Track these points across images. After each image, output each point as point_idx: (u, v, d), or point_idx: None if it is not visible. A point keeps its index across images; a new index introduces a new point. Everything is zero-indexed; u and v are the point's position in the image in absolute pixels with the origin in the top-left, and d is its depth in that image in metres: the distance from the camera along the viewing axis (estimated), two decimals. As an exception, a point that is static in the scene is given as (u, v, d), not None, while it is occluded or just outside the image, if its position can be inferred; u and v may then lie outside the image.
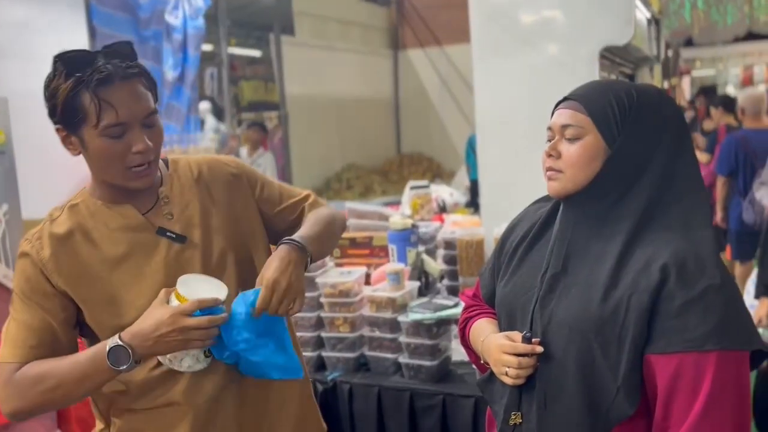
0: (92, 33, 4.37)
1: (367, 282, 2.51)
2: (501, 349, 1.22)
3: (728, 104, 5.64)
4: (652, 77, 3.91)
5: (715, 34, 10.94)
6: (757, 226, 4.26)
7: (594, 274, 1.16)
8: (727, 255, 4.96)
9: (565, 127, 1.19)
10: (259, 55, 8.98)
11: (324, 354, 2.28)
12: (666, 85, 10.46)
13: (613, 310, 1.12)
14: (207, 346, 1.24)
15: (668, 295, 1.10)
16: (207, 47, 6.75)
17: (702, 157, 5.56)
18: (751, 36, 11.55)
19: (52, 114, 1.27)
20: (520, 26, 2.67)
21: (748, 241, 4.65)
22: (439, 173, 8.78)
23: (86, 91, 1.22)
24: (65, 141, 1.29)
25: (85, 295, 1.29)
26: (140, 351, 1.21)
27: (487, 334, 1.31)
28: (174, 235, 1.34)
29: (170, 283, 1.27)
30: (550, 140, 1.23)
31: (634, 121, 1.16)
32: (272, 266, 1.26)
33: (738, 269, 4.91)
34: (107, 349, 1.20)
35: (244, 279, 1.39)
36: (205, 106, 7.60)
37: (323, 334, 2.27)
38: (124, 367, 1.20)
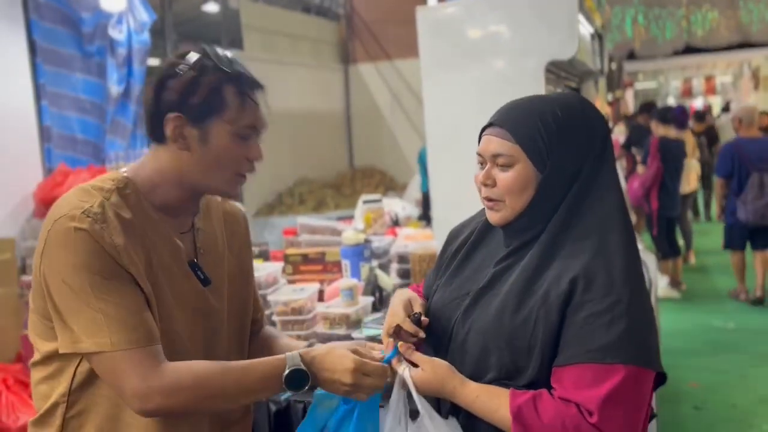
0: (32, 48, 4.23)
1: (320, 298, 2.48)
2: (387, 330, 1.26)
3: (664, 116, 5.85)
4: (597, 90, 4.01)
5: (655, 48, 11.33)
6: (750, 223, 5.18)
7: (514, 284, 1.19)
8: (721, 245, 5.72)
9: (496, 156, 1.21)
10: (207, 69, 8.86)
11: (277, 373, 2.23)
12: (611, 97, 10.79)
13: (524, 320, 1.15)
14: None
15: (575, 306, 1.11)
16: (154, 61, 6.63)
17: (638, 168, 5.83)
18: (690, 50, 12.00)
19: (178, 103, 1.19)
20: (468, 41, 2.71)
21: (738, 235, 5.46)
22: (392, 186, 8.80)
23: (232, 86, 1.22)
24: (176, 132, 1.21)
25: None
26: (316, 380, 1.19)
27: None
28: (202, 276, 1.29)
29: (195, 319, 1.26)
30: (481, 164, 1.25)
31: (561, 144, 1.18)
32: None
33: (731, 258, 5.61)
34: (287, 370, 1.15)
35: (239, 341, 1.40)
36: (152, 121, 7.45)
37: (276, 353, 2.23)
38: (302, 391, 1.17)
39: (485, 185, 1.23)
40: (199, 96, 1.20)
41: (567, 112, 1.20)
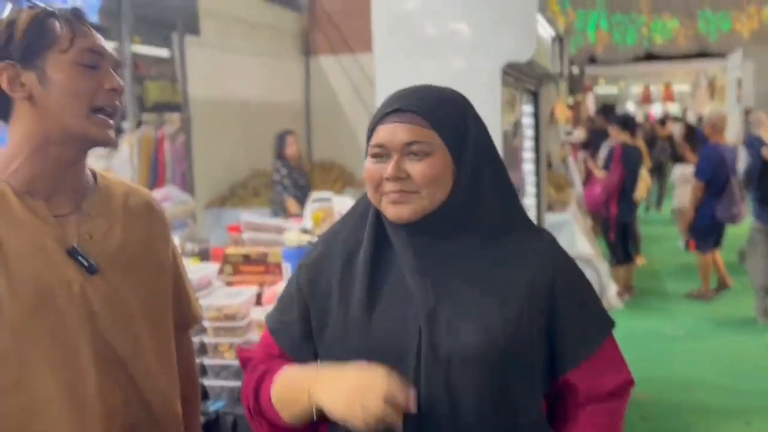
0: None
1: (259, 302, 2.36)
2: (382, 389, 0.97)
3: (624, 123, 5.92)
4: (558, 93, 3.96)
5: (617, 54, 11.50)
6: (733, 221, 5.49)
7: (473, 298, 1.06)
8: (690, 247, 6.00)
9: (409, 144, 1.06)
10: (167, 54, 8.61)
11: (206, 383, 2.10)
12: (571, 100, 10.88)
13: (514, 330, 1.04)
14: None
15: (564, 296, 1.09)
16: (109, 45, 6.38)
17: (598, 173, 5.92)
18: (650, 57, 12.21)
19: (2, 52, 1.09)
20: (425, 37, 2.61)
21: (711, 236, 5.71)
22: (350, 181, 8.68)
23: (56, 19, 1.11)
24: (12, 82, 1.09)
25: None
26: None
27: (316, 372, 1.07)
28: (86, 263, 1.12)
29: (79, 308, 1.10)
30: (378, 157, 1.09)
31: (467, 128, 1.10)
32: None
33: (699, 258, 5.86)
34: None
35: (158, 335, 1.23)
36: (102, 106, 7.17)
37: (206, 361, 2.09)
38: None
39: (398, 179, 1.05)
40: (21, 33, 1.09)
41: (458, 94, 1.15)
